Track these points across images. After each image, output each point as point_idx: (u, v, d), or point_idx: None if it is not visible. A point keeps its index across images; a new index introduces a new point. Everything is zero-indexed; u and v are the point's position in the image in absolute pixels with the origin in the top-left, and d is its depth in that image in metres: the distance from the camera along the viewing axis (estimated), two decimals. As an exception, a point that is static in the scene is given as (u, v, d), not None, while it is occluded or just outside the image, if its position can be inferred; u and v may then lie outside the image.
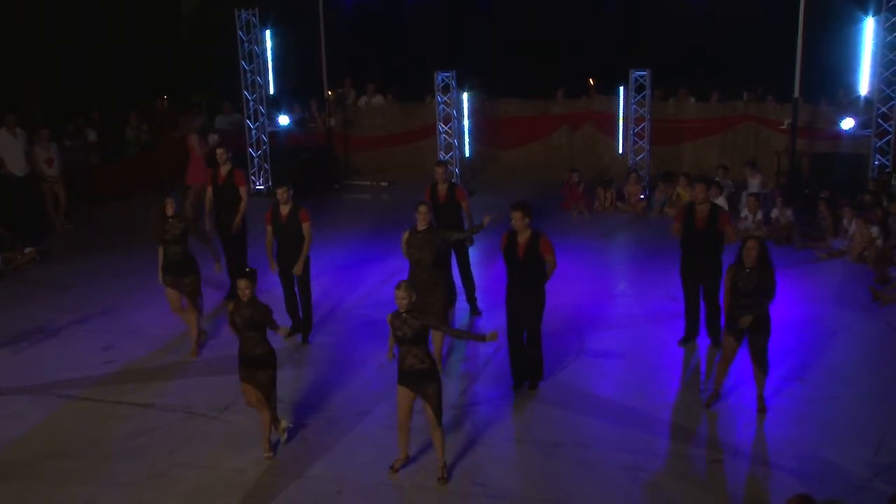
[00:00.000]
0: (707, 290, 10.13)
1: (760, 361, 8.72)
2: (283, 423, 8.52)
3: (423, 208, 9.65)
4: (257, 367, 8.12)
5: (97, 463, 8.27)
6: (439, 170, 11.30)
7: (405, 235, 9.71)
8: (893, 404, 8.98)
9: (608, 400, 9.27)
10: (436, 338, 9.67)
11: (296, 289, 10.72)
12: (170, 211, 10.34)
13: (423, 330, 7.52)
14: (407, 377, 7.62)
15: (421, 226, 9.60)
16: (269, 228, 10.62)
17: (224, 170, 12.07)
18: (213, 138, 17.10)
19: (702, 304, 10.27)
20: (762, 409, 8.82)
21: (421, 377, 7.57)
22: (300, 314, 10.80)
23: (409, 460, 8.05)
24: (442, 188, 11.22)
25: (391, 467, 7.96)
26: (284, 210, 10.51)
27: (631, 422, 8.78)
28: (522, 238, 9.08)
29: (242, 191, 12.02)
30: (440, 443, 7.81)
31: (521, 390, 9.40)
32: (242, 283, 8.13)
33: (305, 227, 10.42)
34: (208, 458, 8.30)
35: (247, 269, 8.50)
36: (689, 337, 10.43)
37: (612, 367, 10.12)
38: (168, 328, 11.33)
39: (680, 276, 10.33)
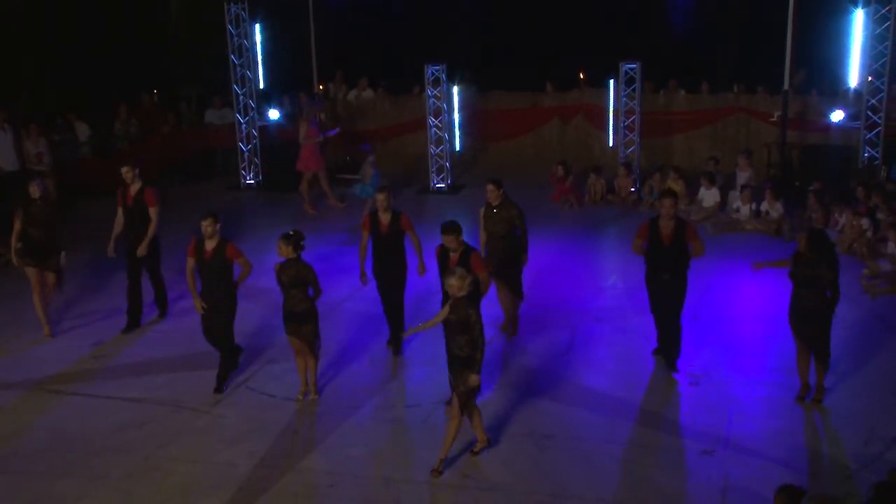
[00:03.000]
0: (671, 309, 9.51)
1: (817, 352, 8.72)
2: (313, 396, 9.24)
3: (491, 186, 10.25)
4: (300, 321, 8.88)
5: (88, 457, 8.25)
6: (381, 196, 10.05)
7: (482, 211, 10.38)
8: (883, 395, 9.02)
9: (599, 392, 9.29)
10: (505, 301, 10.30)
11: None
12: (35, 193, 10.73)
13: (466, 319, 7.58)
14: (449, 363, 7.78)
15: (494, 201, 10.19)
16: (191, 262, 9.40)
17: (133, 189, 10.96)
18: (334, 132, 17.08)
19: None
20: (817, 399, 8.81)
21: (459, 365, 7.69)
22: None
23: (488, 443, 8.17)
24: (384, 217, 10.02)
25: (472, 451, 8.06)
26: (210, 245, 9.26)
27: (622, 414, 8.79)
28: (455, 256, 8.77)
29: (152, 212, 10.95)
30: (450, 435, 7.83)
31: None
32: (280, 244, 8.75)
33: (241, 262, 9.32)
34: (199, 452, 8.29)
35: (290, 232, 8.84)
36: (662, 347, 9.92)
37: (603, 359, 10.14)
38: (158, 323, 11.33)
39: (647, 292, 9.76)
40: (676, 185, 16.26)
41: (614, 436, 8.38)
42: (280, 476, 7.85)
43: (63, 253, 11.04)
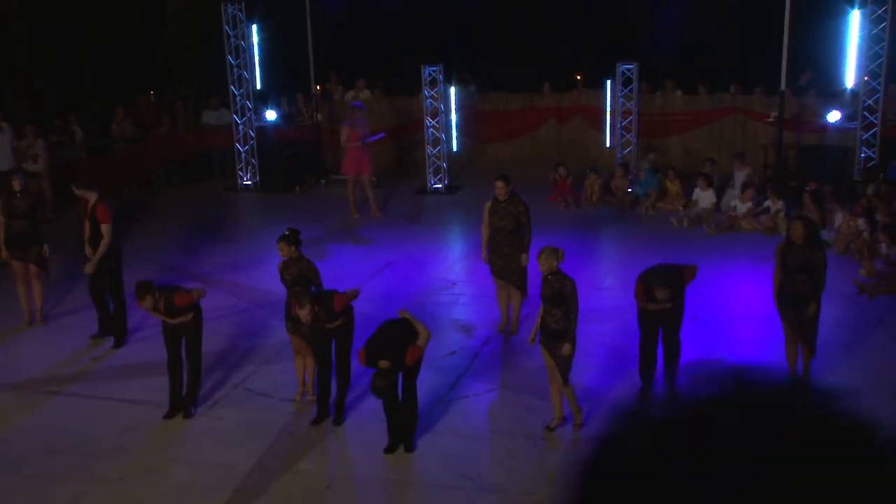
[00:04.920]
0: (666, 327, 8.92)
1: (806, 337, 8.84)
2: (311, 397, 9.12)
3: (499, 183, 10.24)
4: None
5: (85, 459, 8.22)
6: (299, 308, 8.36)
7: (488, 205, 10.38)
8: (882, 396, 9.01)
9: (597, 393, 9.27)
10: (515, 299, 10.46)
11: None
12: (17, 187, 11.00)
13: (560, 294, 7.97)
14: (544, 334, 8.19)
15: (502, 197, 10.23)
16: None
17: (89, 204, 10.62)
18: (379, 136, 16.95)
19: (660, 346, 9.03)
20: None
21: (554, 336, 8.08)
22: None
23: (564, 420, 8.45)
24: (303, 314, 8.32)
25: (547, 427, 8.31)
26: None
27: (620, 414, 8.77)
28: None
29: (104, 229, 10.43)
30: (558, 399, 8.29)
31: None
32: (281, 245, 8.86)
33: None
34: (197, 454, 8.28)
35: (287, 232, 8.92)
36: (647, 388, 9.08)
37: (601, 360, 10.12)
38: (154, 323, 11.28)
39: (637, 314, 9.11)
40: (674, 186, 16.31)
41: (612, 436, 8.36)
42: (277, 478, 7.83)
43: (45, 246, 11.21)
